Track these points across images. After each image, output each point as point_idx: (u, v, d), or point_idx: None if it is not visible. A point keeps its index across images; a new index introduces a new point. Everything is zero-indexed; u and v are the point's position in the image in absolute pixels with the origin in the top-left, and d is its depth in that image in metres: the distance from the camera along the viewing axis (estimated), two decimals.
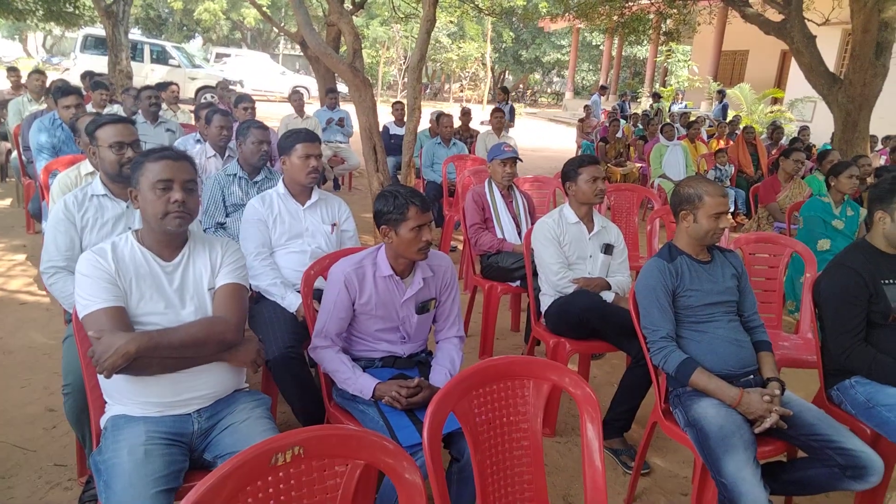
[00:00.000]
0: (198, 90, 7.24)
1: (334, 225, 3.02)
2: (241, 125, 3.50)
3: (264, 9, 12.36)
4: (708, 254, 2.44)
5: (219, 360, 1.94)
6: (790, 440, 2.21)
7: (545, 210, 4.63)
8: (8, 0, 12.25)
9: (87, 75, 8.38)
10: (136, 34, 23.59)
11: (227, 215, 3.32)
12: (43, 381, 3.20)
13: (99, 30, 15.49)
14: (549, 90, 39.31)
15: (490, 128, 7.15)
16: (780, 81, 18.01)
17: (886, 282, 2.41)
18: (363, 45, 9.70)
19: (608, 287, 3.15)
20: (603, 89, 18.99)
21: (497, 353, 3.84)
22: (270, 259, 2.89)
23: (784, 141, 9.71)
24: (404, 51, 27.98)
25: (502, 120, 7.04)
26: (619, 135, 9.40)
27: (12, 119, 6.31)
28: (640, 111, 14.45)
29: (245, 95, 5.70)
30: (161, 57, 18.35)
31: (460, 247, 5.76)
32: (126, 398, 1.87)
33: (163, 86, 6.99)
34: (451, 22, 24.04)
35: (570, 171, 3.19)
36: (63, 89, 4.58)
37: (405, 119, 6.05)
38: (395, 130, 7.77)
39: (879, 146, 9.58)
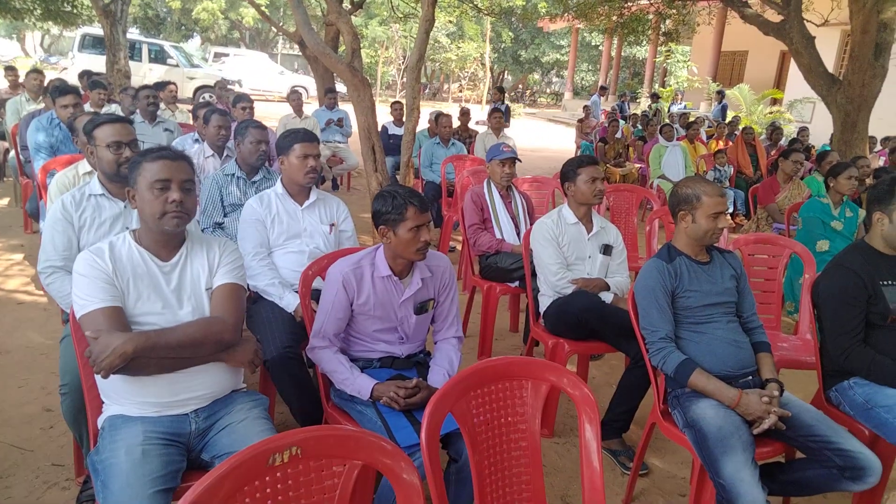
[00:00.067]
0: (196, 90, 7.27)
1: (332, 225, 3.02)
2: (239, 125, 3.50)
3: (263, 8, 12.35)
4: (707, 254, 2.44)
5: (216, 361, 1.94)
6: (789, 441, 2.21)
7: (544, 210, 4.63)
8: None
9: (85, 75, 8.38)
10: (134, 33, 23.57)
11: (225, 215, 3.32)
12: (40, 381, 3.19)
13: (97, 29, 15.46)
14: (548, 90, 39.32)
15: (487, 128, 7.15)
16: (780, 82, 18.02)
17: (885, 283, 2.41)
18: (362, 45, 9.70)
19: (607, 288, 3.15)
20: (603, 90, 19.00)
21: (496, 354, 3.84)
22: (268, 259, 2.88)
23: (783, 142, 9.71)
24: (403, 50, 27.98)
25: (501, 120, 7.04)
26: (618, 135, 9.40)
27: (10, 118, 6.30)
28: (639, 112, 14.45)
29: (243, 95, 5.70)
30: (159, 56, 18.33)
31: (459, 247, 5.76)
32: (123, 398, 1.87)
33: (161, 85, 6.99)
34: (450, 22, 24.04)
35: (568, 171, 3.19)
36: (61, 89, 4.58)
37: (404, 119, 6.05)
38: (393, 130, 7.77)
39: (878, 147, 9.59)
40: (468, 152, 6.87)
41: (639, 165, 9.01)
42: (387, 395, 2.13)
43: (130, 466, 1.68)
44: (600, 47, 27.74)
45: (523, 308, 3.86)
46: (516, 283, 3.75)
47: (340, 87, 13.46)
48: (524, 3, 19.90)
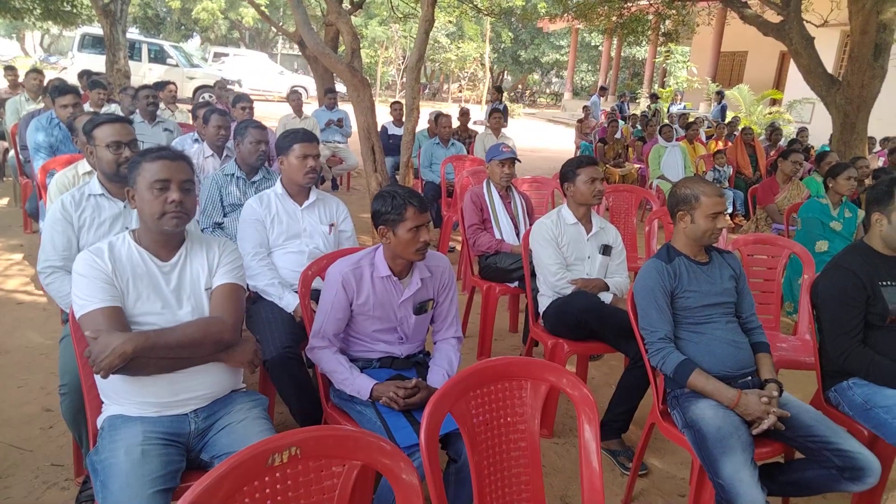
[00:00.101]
0: (196, 90, 7.25)
1: (332, 225, 3.02)
2: (238, 125, 3.50)
3: (262, 8, 12.34)
4: (706, 255, 2.44)
5: (216, 361, 1.94)
6: (788, 441, 2.21)
7: (543, 211, 4.63)
8: None
9: (85, 74, 8.37)
10: (133, 33, 23.55)
11: (224, 215, 3.32)
12: (40, 381, 3.19)
13: (97, 29, 15.46)
14: (547, 90, 39.31)
15: (484, 127, 7.15)
16: (779, 83, 18.03)
17: (884, 283, 2.41)
18: (361, 45, 9.70)
19: (606, 288, 3.15)
20: (603, 90, 18.98)
21: (495, 354, 3.84)
22: (268, 259, 2.88)
23: (782, 142, 9.72)
24: (403, 51, 27.98)
25: (501, 120, 7.04)
26: (617, 136, 9.40)
27: (10, 118, 6.29)
28: (638, 112, 14.45)
29: (243, 95, 5.69)
30: (159, 56, 18.33)
31: (458, 247, 5.76)
32: (123, 398, 1.87)
33: (160, 85, 6.99)
34: (450, 22, 24.04)
35: (568, 171, 3.19)
36: (60, 88, 4.58)
37: (403, 119, 6.05)
38: (393, 130, 7.77)
39: (877, 148, 9.60)
40: (468, 152, 6.87)
41: (638, 166, 9.01)
42: (386, 395, 2.13)
43: (130, 466, 1.68)
44: (600, 48, 27.74)
45: (523, 308, 3.86)
46: (516, 284, 3.75)
47: (340, 88, 13.45)
48: (524, 4, 19.90)
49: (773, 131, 9.69)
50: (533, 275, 3.31)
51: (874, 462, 2.04)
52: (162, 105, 6.39)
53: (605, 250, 3.23)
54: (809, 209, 4.56)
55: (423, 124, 6.97)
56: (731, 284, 2.43)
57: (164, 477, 1.70)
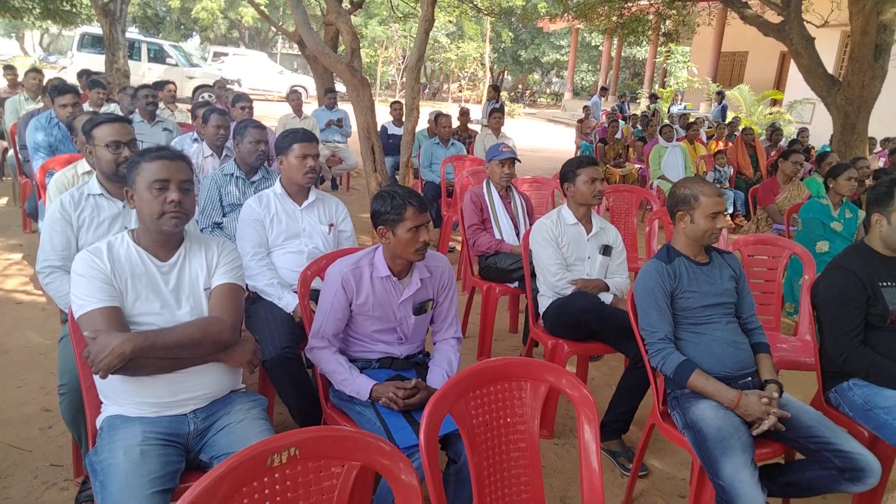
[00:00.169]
0: (195, 89, 7.29)
1: (332, 225, 3.01)
2: (238, 124, 3.49)
3: (262, 8, 12.34)
4: (706, 255, 2.44)
5: (215, 361, 1.94)
6: (788, 442, 2.21)
7: (543, 211, 4.63)
8: None
9: (84, 74, 8.38)
10: (133, 33, 23.55)
11: (223, 215, 3.31)
12: (39, 381, 3.19)
13: (96, 28, 15.45)
14: (548, 90, 39.31)
15: (481, 126, 7.15)
16: (780, 83, 18.03)
17: (884, 284, 2.41)
18: (361, 45, 9.70)
19: (606, 288, 3.15)
20: (603, 90, 18.99)
21: (495, 355, 3.84)
22: (267, 259, 2.88)
23: (783, 143, 9.72)
24: (403, 50, 27.97)
25: (501, 120, 7.03)
26: (618, 136, 9.40)
27: (9, 117, 6.29)
28: (638, 112, 14.46)
29: (242, 94, 5.69)
30: (158, 56, 18.31)
31: (458, 247, 5.76)
32: (122, 398, 1.86)
33: (160, 85, 6.99)
34: (450, 22, 24.03)
35: (568, 171, 3.19)
36: (60, 88, 4.57)
37: (403, 119, 6.05)
38: (393, 130, 7.77)
39: (878, 148, 9.60)
40: (467, 152, 6.86)
41: (638, 166, 9.01)
42: (386, 395, 2.13)
43: (129, 467, 1.68)
44: (600, 48, 27.74)
45: (523, 309, 3.86)
46: (516, 284, 3.74)
47: (340, 87, 13.45)
48: (524, 4, 19.90)
49: (774, 132, 9.69)
50: (533, 275, 3.30)
51: (874, 463, 2.04)
52: (161, 105, 6.39)
53: (606, 250, 3.22)
54: (810, 210, 4.56)
55: (422, 124, 6.97)
56: (731, 285, 2.42)
57: (164, 477, 1.70)
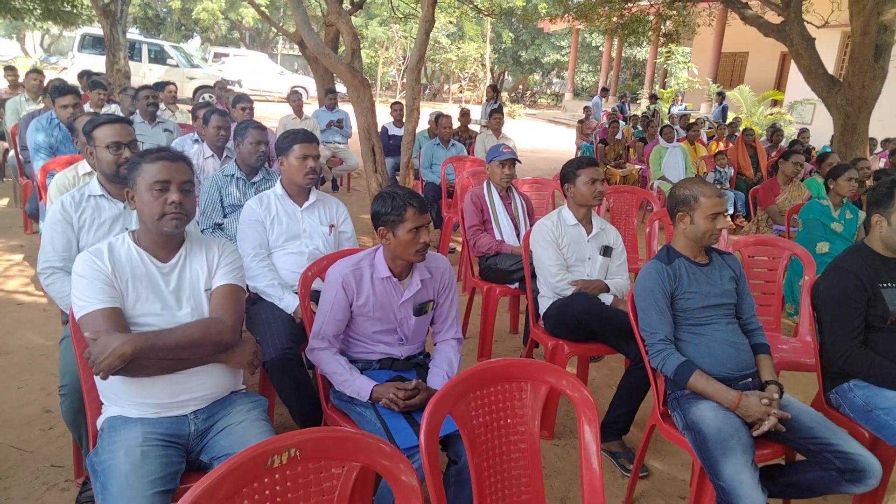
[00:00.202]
0: (196, 90, 7.27)
1: (332, 226, 3.01)
2: (238, 125, 3.50)
3: (262, 8, 12.35)
4: (706, 256, 2.44)
5: (215, 362, 1.94)
6: (788, 443, 2.21)
7: (544, 212, 4.63)
8: None
9: (85, 75, 8.38)
10: (133, 33, 23.56)
11: (224, 216, 3.32)
12: (40, 382, 3.19)
13: (97, 29, 15.47)
14: (548, 91, 39.33)
15: (480, 127, 7.15)
16: (780, 83, 18.03)
17: (884, 285, 2.41)
18: (362, 46, 9.70)
19: (607, 289, 3.15)
20: (604, 91, 18.99)
21: (495, 356, 3.84)
22: (268, 260, 2.88)
23: (783, 143, 9.72)
24: (403, 51, 27.98)
25: (501, 121, 7.04)
26: (618, 136, 9.39)
27: (10, 118, 6.30)
28: (639, 113, 14.46)
29: (243, 95, 5.70)
30: (159, 56, 18.34)
31: (459, 248, 5.76)
32: (123, 399, 1.86)
33: (161, 85, 6.99)
34: (451, 22, 24.05)
35: (568, 172, 3.19)
36: (60, 89, 4.58)
37: (404, 120, 6.05)
38: (393, 131, 7.77)
39: (878, 149, 9.60)
40: (468, 153, 6.87)
41: (639, 167, 9.01)
42: (386, 396, 2.13)
43: (130, 468, 1.68)
44: (601, 48, 27.74)
45: (523, 310, 3.86)
46: (516, 285, 3.74)
47: (340, 88, 13.46)
48: (524, 4, 19.92)
49: (774, 132, 9.69)
50: (533, 276, 3.31)
51: (875, 464, 2.04)
52: (162, 105, 6.39)
53: (606, 251, 3.22)
54: (810, 210, 4.56)
55: (423, 125, 6.97)
56: (731, 286, 2.42)
57: (164, 478, 1.70)
